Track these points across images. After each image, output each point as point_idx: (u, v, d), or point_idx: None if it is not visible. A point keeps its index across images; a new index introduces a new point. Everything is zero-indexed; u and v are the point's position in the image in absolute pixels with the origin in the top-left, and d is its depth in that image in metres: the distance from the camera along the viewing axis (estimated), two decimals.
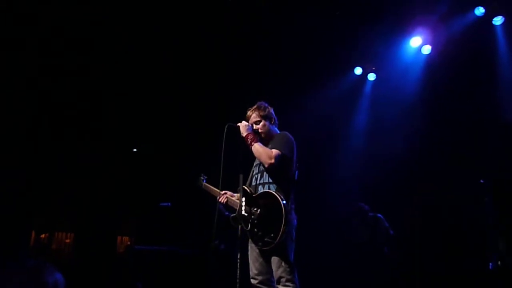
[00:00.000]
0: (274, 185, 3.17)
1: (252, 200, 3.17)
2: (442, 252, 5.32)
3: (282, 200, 2.98)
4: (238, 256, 2.89)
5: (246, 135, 3.22)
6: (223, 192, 3.41)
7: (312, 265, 6.05)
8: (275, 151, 3.15)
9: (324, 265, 6.06)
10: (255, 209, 3.11)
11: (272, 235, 2.95)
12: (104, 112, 6.95)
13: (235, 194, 3.39)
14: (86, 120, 6.89)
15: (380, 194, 6.06)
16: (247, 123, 3.26)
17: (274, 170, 3.13)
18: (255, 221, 3.08)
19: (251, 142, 3.19)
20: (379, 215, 5.82)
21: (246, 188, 3.26)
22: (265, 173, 3.25)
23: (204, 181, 3.79)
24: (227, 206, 3.38)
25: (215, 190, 3.57)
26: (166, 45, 5.97)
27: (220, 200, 3.39)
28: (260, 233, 3.04)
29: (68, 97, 6.46)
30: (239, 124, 3.24)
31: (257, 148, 3.18)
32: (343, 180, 6.49)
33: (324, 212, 6.42)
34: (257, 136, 3.34)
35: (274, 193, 3.06)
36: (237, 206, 3.25)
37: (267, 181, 3.22)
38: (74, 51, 5.81)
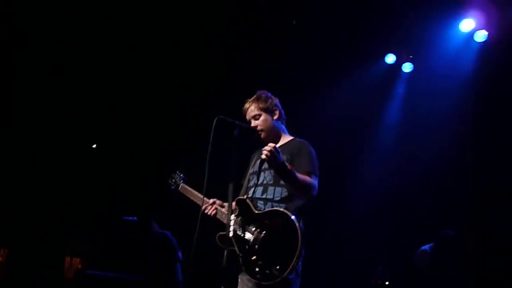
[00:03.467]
0: (282, 205, 3.09)
1: (253, 218, 3.08)
2: None
3: (299, 225, 2.90)
4: None
5: (281, 164, 2.91)
6: (212, 200, 3.29)
7: None
8: (314, 180, 3.07)
9: None
10: (258, 230, 3.02)
11: (278, 267, 2.84)
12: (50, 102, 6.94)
13: (226, 205, 3.23)
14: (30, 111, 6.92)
15: (417, 213, 6.01)
16: (273, 145, 2.89)
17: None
18: (256, 246, 2.97)
19: (290, 169, 2.95)
20: None
21: (247, 201, 3.16)
22: (271, 188, 3.16)
23: (182, 181, 3.58)
24: (214, 220, 3.24)
25: (198, 195, 3.37)
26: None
27: (207, 211, 3.25)
28: (261, 262, 2.92)
29: None
30: (266, 148, 2.88)
31: (300, 177, 2.99)
32: (367, 197, 6.48)
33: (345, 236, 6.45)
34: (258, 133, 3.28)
35: (288, 214, 2.96)
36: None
37: (271, 197, 3.13)
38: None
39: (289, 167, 2.96)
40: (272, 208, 3.09)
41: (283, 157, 3.15)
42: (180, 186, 3.56)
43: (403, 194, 6.39)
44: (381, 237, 6.40)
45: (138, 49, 6.64)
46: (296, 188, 3.05)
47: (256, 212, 3.09)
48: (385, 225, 6.42)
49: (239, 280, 3.18)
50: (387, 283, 5.98)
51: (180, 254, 5.81)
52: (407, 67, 6.63)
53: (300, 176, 3.02)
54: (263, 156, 2.90)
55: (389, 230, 6.36)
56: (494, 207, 5.41)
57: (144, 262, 5.84)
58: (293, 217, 2.94)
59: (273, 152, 2.86)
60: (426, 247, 5.71)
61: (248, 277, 3.03)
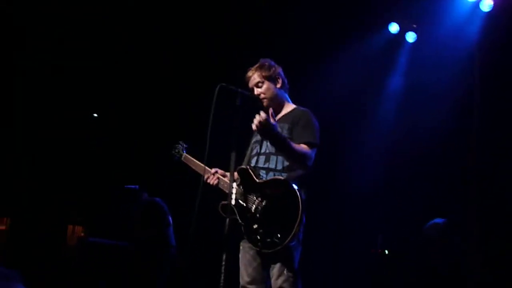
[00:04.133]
0: (284, 174, 3.09)
1: (255, 187, 3.08)
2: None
3: (300, 193, 2.90)
4: (224, 258, 2.79)
5: (274, 134, 2.91)
6: (213, 170, 3.28)
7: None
8: (311, 150, 3.06)
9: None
10: (259, 199, 3.02)
11: (279, 235, 2.87)
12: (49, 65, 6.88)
13: (228, 174, 3.23)
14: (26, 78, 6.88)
15: (419, 183, 5.99)
16: (264, 116, 2.85)
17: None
18: (258, 215, 2.99)
19: (285, 140, 2.95)
20: None
21: (249, 170, 3.16)
22: (273, 157, 3.15)
23: (184, 151, 3.59)
24: (216, 189, 3.23)
25: (200, 165, 3.39)
26: None
27: (209, 181, 3.24)
28: (262, 231, 2.95)
29: None
30: (257, 119, 2.89)
31: (294, 148, 2.99)
32: (368, 168, 6.47)
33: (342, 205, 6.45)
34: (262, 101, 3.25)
35: (289, 182, 2.98)
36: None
37: (274, 167, 3.13)
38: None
39: (283, 138, 2.95)
40: (274, 177, 3.08)
41: (285, 126, 3.15)
42: (183, 156, 3.57)
43: (405, 164, 6.38)
44: (382, 206, 6.41)
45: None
46: (291, 158, 3.05)
47: (258, 181, 3.09)
48: (386, 195, 6.43)
49: (241, 247, 3.21)
50: (386, 252, 6.02)
51: (170, 219, 5.88)
52: (410, 37, 6.54)
53: (296, 146, 3.01)
54: (254, 126, 2.89)
55: (390, 200, 6.37)
56: (499, 178, 5.37)
57: (137, 229, 5.90)
58: (294, 185, 2.94)
59: (263, 122, 2.84)
60: (439, 220, 5.69)
61: (250, 244, 3.05)
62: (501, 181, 5.26)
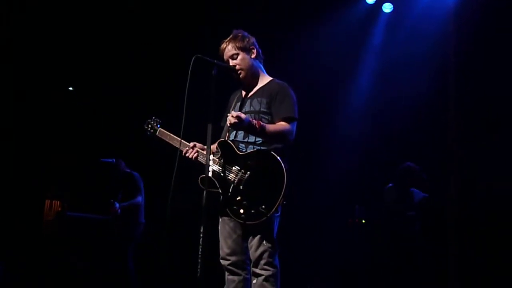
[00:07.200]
0: (264, 147, 3.06)
1: (237, 158, 3.05)
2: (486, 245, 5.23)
3: (285, 165, 2.90)
4: (201, 230, 2.76)
5: (247, 127, 2.92)
6: (192, 144, 3.21)
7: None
8: (291, 125, 3.04)
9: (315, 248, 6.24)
10: (243, 171, 2.99)
11: (264, 206, 2.86)
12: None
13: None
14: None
15: (397, 155, 6.03)
16: (235, 114, 2.88)
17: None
18: (241, 187, 2.97)
19: (259, 128, 2.93)
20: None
21: (230, 142, 3.12)
22: None
23: (159, 126, 3.49)
24: (196, 163, 3.16)
25: (177, 139, 3.29)
26: None
27: (188, 154, 3.17)
28: (246, 202, 2.93)
29: None
30: (229, 118, 2.89)
31: (271, 130, 2.99)
32: (345, 140, 6.49)
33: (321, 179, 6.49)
34: (236, 73, 3.19)
35: (273, 153, 2.96)
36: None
37: (253, 141, 3.10)
38: None
39: (257, 125, 2.92)
40: (255, 149, 3.06)
41: (263, 100, 3.14)
42: (157, 131, 3.47)
43: (382, 136, 6.41)
44: (359, 177, 6.46)
45: None
46: (270, 139, 3.04)
47: (240, 153, 3.06)
48: (363, 166, 6.47)
49: (220, 219, 3.18)
50: (363, 221, 6.11)
51: (141, 197, 5.79)
52: (387, 7, 6.49)
53: (272, 128, 3.00)
54: (228, 124, 2.92)
55: (367, 171, 6.42)
56: (478, 149, 5.40)
57: (109, 202, 5.83)
58: (276, 156, 2.93)
59: (236, 121, 2.85)
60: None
61: (229, 216, 3.04)
62: (480, 153, 5.30)
